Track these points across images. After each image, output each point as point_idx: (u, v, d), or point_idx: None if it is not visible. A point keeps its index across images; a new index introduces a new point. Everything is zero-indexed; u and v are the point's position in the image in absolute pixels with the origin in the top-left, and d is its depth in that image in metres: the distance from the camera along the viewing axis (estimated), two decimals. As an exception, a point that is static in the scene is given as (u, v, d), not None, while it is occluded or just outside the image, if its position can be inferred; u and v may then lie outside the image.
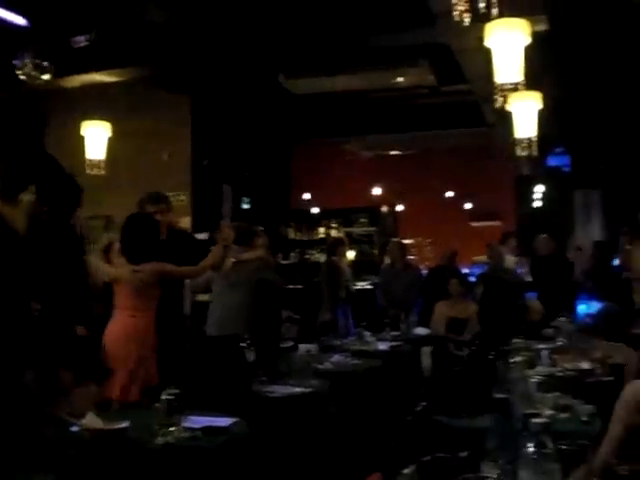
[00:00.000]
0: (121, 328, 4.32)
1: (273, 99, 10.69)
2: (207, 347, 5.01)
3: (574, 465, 1.88)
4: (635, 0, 7.03)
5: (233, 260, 5.39)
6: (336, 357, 5.78)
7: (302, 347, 5.67)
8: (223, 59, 8.38)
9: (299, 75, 9.72)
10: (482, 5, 3.89)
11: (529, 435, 1.74)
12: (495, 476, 1.76)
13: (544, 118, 7.19)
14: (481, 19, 4.13)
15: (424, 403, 3.15)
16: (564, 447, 1.87)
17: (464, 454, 2.09)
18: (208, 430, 3.24)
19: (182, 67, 8.85)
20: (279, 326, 6.28)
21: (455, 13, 3.96)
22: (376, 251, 13.35)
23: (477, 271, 9.74)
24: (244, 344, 4.59)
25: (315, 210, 14.12)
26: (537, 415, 2.10)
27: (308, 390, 4.63)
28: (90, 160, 7.44)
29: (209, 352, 5.01)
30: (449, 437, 2.88)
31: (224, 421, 3.41)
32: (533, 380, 3.51)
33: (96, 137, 7.53)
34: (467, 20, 3.95)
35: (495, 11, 4.07)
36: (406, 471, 2.10)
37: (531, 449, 1.72)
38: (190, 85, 9.80)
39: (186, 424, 3.21)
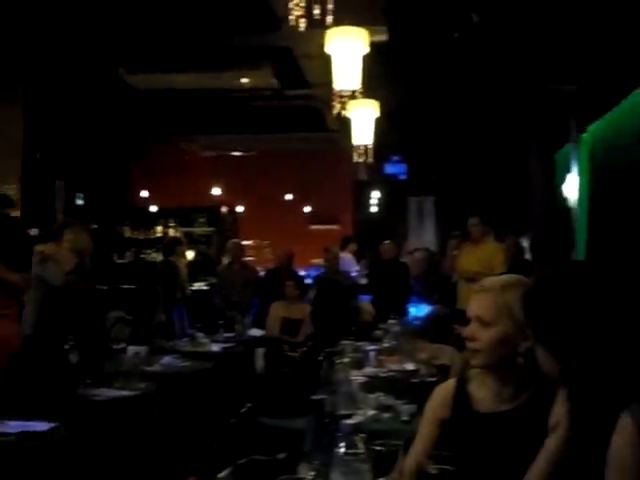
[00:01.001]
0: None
1: (113, 94, 10.39)
2: (25, 348, 4.76)
3: (387, 465, 1.91)
4: (474, 19, 7.40)
5: None
6: (166, 359, 5.68)
7: (131, 349, 5.51)
8: (58, 49, 8.06)
9: (140, 70, 9.50)
10: (317, 12, 3.93)
11: (341, 436, 1.76)
12: (310, 477, 1.76)
13: (382, 126, 7.40)
14: (317, 25, 4.18)
15: (249, 405, 3.13)
16: (378, 447, 1.90)
17: (282, 456, 2.09)
18: (23, 435, 3.09)
19: (14, 56, 8.42)
20: (103, 327, 6.08)
21: (291, 18, 3.99)
22: (214, 252, 13.27)
23: (314, 273, 9.87)
24: (67, 345, 4.41)
25: (153, 208, 13.85)
26: (350, 416, 2.14)
27: (133, 393, 4.53)
28: None
29: (27, 353, 4.77)
30: (272, 439, 2.88)
31: (41, 426, 3.27)
32: (357, 381, 3.57)
33: None
34: (302, 26, 3.99)
35: (330, 18, 4.13)
36: (222, 474, 2.08)
37: (342, 450, 1.74)
38: (23, 75, 9.34)
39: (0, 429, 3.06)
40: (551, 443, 1.90)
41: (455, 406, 2.28)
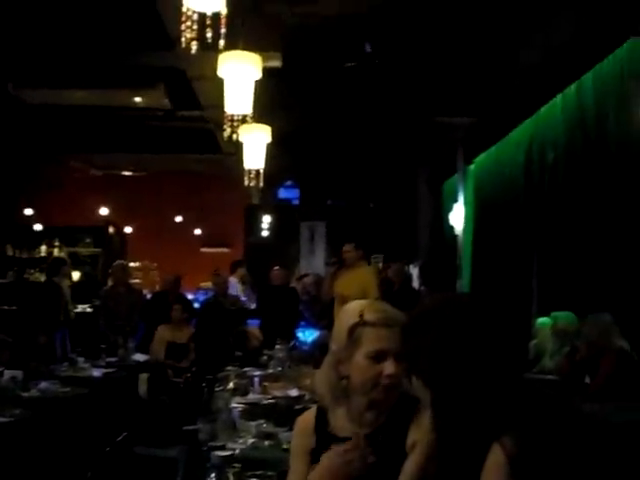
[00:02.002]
0: None
1: (1, 108, 10.02)
2: None
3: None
4: (367, 49, 7.55)
5: None
6: (44, 384, 5.46)
7: (7, 373, 5.28)
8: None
9: (30, 85, 9.22)
10: (210, 35, 3.91)
11: (212, 467, 1.72)
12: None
13: (275, 152, 7.42)
14: (209, 48, 4.15)
15: (125, 433, 3.04)
16: (252, 479, 1.87)
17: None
18: None
19: None
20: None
21: (183, 40, 3.95)
22: (100, 273, 12.95)
23: (202, 297, 9.77)
24: None
25: (38, 227, 13.41)
26: (223, 447, 2.11)
27: (7, 419, 4.34)
28: None
29: None
30: (146, 468, 2.80)
31: None
32: (238, 408, 3.53)
33: None
34: (194, 48, 3.96)
35: (222, 42, 4.12)
36: (89, 507, 2.01)
37: (212, 481, 1.71)
38: None
39: None
40: (409, 465, 1.92)
41: (317, 434, 2.24)
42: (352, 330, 2.13)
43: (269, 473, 1.90)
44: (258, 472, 1.87)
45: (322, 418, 2.26)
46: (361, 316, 2.14)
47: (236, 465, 1.81)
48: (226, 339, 7.37)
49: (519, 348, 6.31)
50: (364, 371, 2.11)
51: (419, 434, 2.02)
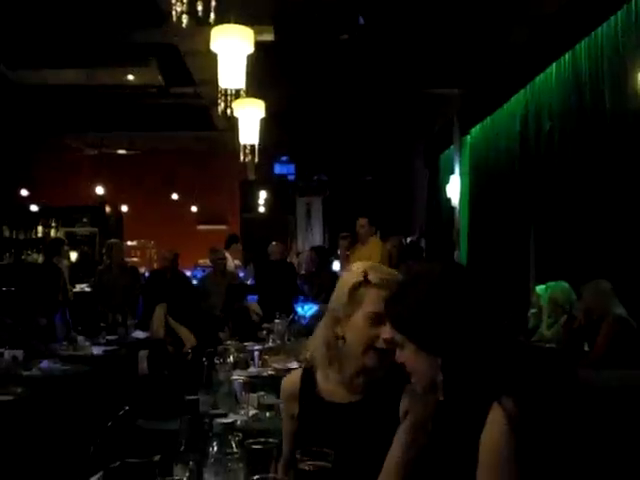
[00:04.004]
0: None
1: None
2: None
3: (263, 464, 1.90)
4: (360, 21, 7.50)
5: None
6: (45, 363, 5.48)
7: (8, 353, 5.30)
8: None
9: (22, 66, 9.16)
10: (200, 8, 3.88)
11: (214, 436, 1.74)
12: (184, 478, 1.73)
13: (270, 126, 7.40)
14: (201, 22, 4.13)
15: (126, 407, 3.06)
16: (253, 446, 1.88)
17: (156, 458, 2.04)
18: None
19: None
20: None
21: (173, 13, 3.92)
22: (98, 252, 12.95)
23: (200, 274, 9.78)
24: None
25: (34, 208, 13.39)
26: (225, 415, 2.12)
27: (9, 398, 4.37)
28: None
29: None
30: (149, 441, 2.82)
31: None
32: (239, 380, 3.56)
33: None
34: (185, 22, 3.93)
35: (213, 16, 4.09)
36: (93, 478, 2.03)
37: (215, 449, 1.72)
38: None
39: None
40: (402, 430, 1.92)
41: (302, 398, 2.24)
42: (354, 289, 2.12)
43: (271, 440, 1.92)
44: (261, 439, 1.89)
45: (309, 381, 2.24)
46: (365, 276, 2.13)
47: (238, 434, 1.82)
48: (227, 314, 7.39)
49: (515, 313, 6.35)
50: (361, 332, 2.10)
51: (410, 403, 1.99)
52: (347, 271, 2.24)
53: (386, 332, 2.00)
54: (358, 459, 2.06)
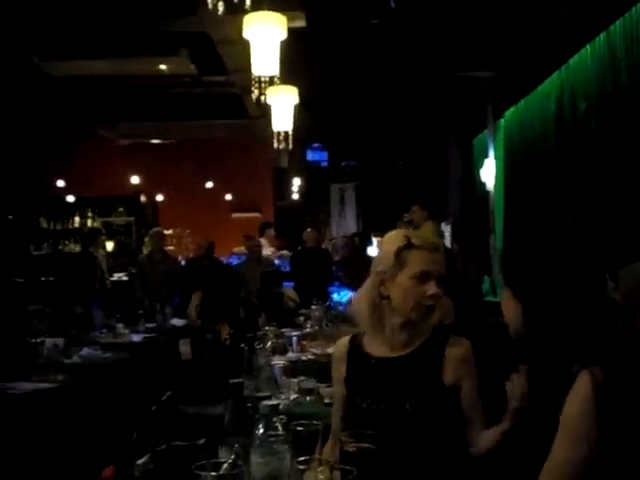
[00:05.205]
0: None
1: (28, 82, 10.08)
2: None
3: (307, 446, 1.92)
4: (392, 5, 7.46)
5: None
6: (85, 350, 5.57)
7: (49, 341, 5.39)
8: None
9: (55, 57, 9.24)
10: (235, -4, 3.91)
11: (260, 418, 1.76)
12: (230, 460, 1.74)
13: (302, 113, 7.40)
14: (234, 10, 4.15)
15: (169, 393, 3.10)
16: (299, 428, 1.90)
17: (201, 441, 2.07)
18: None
19: None
20: (20, 320, 5.92)
21: (209, 1, 3.95)
22: (134, 242, 13.08)
23: (235, 262, 9.83)
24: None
25: (70, 198, 13.54)
26: (269, 398, 2.15)
27: (52, 385, 4.45)
28: None
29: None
30: (192, 426, 2.85)
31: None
32: (279, 365, 3.59)
33: None
34: (221, 9, 3.96)
35: (248, 2, 4.11)
36: (140, 461, 2.05)
37: (261, 431, 1.74)
38: None
39: None
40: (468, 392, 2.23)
41: (350, 360, 2.41)
42: (399, 252, 2.30)
43: (315, 423, 1.94)
44: (305, 422, 1.91)
45: (356, 342, 2.44)
46: (408, 240, 2.32)
47: (282, 416, 1.84)
48: (265, 300, 7.42)
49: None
50: (407, 291, 2.29)
51: (467, 368, 2.26)
52: (388, 237, 2.41)
53: (432, 288, 2.25)
54: (404, 414, 2.21)
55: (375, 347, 2.38)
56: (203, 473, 1.63)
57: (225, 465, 1.69)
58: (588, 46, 6.82)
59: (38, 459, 3.86)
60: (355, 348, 2.42)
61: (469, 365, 2.30)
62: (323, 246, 9.88)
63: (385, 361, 2.33)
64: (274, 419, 1.76)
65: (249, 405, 2.04)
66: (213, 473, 1.64)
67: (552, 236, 1.80)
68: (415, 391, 2.23)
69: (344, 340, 2.49)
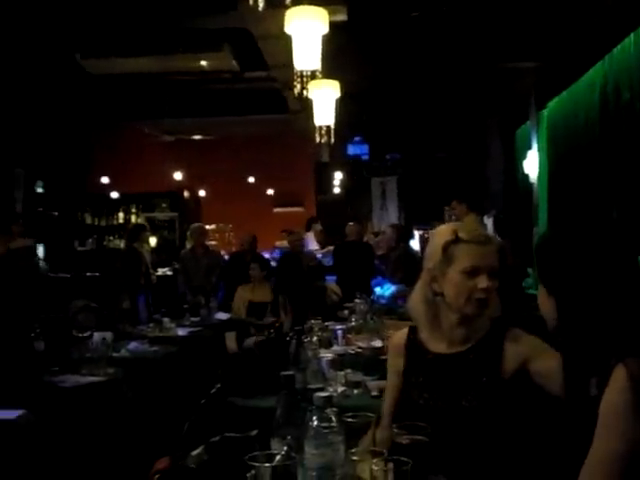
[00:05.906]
0: None
1: (70, 79, 10.22)
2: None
3: (359, 437, 1.93)
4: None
5: None
6: (133, 344, 5.65)
7: (97, 335, 5.47)
8: (12, 36, 7.92)
9: (97, 55, 9.35)
10: (276, -9, 3.92)
11: (313, 409, 1.77)
12: (283, 452, 1.77)
13: (343, 107, 7.39)
14: (275, 5, 4.17)
15: (218, 385, 3.14)
16: (350, 420, 1.92)
17: (254, 432, 2.10)
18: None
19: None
20: (67, 315, 6.02)
21: (251, -3, 3.97)
22: (178, 237, 13.21)
23: (278, 256, 9.88)
24: (33, 334, 4.38)
25: (114, 195, 13.72)
26: (322, 389, 2.16)
27: (101, 379, 4.52)
28: None
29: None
30: (243, 418, 2.89)
31: (10, 414, 3.25)
32: (326, 358, 3.60)
33: None
34: (261, 5, 3.98)
35: (290, -3, 4.12)
36: (195, 452, 2.09)
37: (315, 423, 1.75)
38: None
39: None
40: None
41: (408, 353, 2.39)
42: (446, 247, 2.27)
43: (368, 414, 1.96)
44: (358, 413, 1.93)
45: (414, 336, 2.42)
46: (455, 234, 2.28)
47: (334, 408, 1.85)
48: (306, 294, 7.46)
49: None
50: (459, 286, 2.26)
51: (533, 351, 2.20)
52: (437, 232, 2.40)
53: (483, 282, 2.22)
54: (460, 410, 2.19)
55: (433, 343, 2.36)
56: (257, 464, 1.66)
57: (278, 456, 1.71)
58: (632, 35, 6.71)
59: (91, 451, 3.93)
60: (413, 342, 2.41)
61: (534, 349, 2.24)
62: (365, 239, 9.87)
63: (442, 357, 2.32)
64: (327, 410, 1.77)
65: (299, 397, 2.06)
66: (267, 464, 1.66)
67: (583, 236, 1.79)
68: (472, 387, 2.21)
69: (402, 332, 2.48)
